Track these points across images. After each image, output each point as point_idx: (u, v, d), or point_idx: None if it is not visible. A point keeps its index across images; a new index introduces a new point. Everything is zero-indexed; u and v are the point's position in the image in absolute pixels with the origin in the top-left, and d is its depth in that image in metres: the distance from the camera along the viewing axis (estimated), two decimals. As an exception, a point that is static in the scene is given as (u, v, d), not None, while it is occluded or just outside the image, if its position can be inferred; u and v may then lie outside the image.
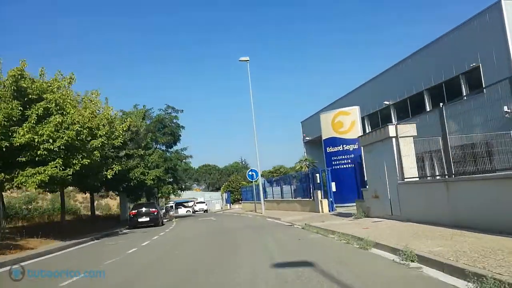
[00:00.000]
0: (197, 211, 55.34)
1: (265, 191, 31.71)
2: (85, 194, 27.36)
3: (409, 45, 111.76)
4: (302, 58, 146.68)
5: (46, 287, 7.06)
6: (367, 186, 14.41)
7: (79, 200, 58.94)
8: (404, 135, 11.98)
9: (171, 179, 32.43)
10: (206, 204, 57.39)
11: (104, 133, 18.38)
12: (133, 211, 23.24)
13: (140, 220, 22.93)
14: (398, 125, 12.11)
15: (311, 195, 21.97)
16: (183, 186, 36.30)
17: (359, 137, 14.62)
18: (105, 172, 19.42)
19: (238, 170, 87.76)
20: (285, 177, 31.40)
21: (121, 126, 20.42)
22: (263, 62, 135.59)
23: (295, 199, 25.21)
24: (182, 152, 33.62)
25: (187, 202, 66.27)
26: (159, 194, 32.05)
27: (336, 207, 20.47)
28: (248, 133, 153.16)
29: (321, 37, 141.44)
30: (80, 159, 14.81)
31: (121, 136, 20.35)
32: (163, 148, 33.61)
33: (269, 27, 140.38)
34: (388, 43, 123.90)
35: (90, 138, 17.41)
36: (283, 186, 29.87)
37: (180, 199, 79.61)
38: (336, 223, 13.79)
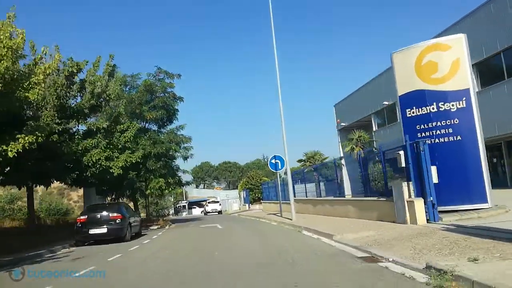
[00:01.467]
0: (209, 212, 46.35)
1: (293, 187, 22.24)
2: (24, 187, 18.42)
3: None
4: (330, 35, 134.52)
5: None
6: None
7: (73, 198, 50.85)
8: None
9: (165, 171, 23.40)
10: (220, 204, 48.20)
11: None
12: (82, 217, 14.24)
13: (92, 232, 13.90)
14: None
15: (383, 191, 12.42)
16: (182, 181, 27.01)
17: None
18: (4, 147, 10.50)
19: (260, 168, 78.43)
20: (323, 165, 21.84)
21: (40, 68, 11.46)
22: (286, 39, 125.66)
23: (349, 199, 15.68)
24: (179, 133, 24.40)
25: (205, 201, 57.57)
26: (148, 191, 23.02)
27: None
28: (270, 125, 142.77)
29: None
30: None
31: (41, 84, 11.42)
32: (155, 128, 24.59)
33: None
34: None
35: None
36: (321, 180, 20.45)
37: (195, 198, 71.21)
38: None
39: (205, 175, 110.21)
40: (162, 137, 23.26)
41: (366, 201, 13.68)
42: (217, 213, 45.78)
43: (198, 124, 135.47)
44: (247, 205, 45.27)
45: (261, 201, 38.49)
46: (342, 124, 41.75)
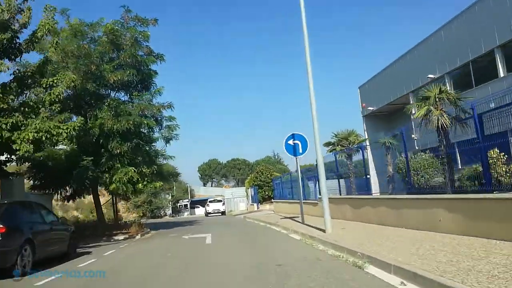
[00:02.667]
0: (210, 213, 39.57)
1: (317, 181, 15.19)
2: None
3: None
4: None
5: None
6: None
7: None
8: None
9: (139, 157, 16.54)
10: (223, 204, 41.34)
11: None
12: None
13: None
14: None
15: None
16: (164, 172, 19.96)
17: None
18: None
19: (270, 165, 71.59)
20: (360, 148, 14.68)
21: None
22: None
23: (439, 198, 8.54)
24: (154, 99, 17.26)
25: (209, 200, 50.69)
26: (113, 185, 16.12)
27: None
28: (276, 125, 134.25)
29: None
30: None
31: None
32: (124, 98, 17.66)
33: None
34: None
35: None
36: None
37: (202, 196, 64.48)
38: None
39: (213, 172, 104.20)
40: (131, 108, 16.21)
41: (491, 200, 6.52)
42: (220, 214, 39.07)
43: (202, 122, 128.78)
44: (255, 204, 38.42)
45: (272, 200, 31.58)
46: (370, 108, 34.87)
